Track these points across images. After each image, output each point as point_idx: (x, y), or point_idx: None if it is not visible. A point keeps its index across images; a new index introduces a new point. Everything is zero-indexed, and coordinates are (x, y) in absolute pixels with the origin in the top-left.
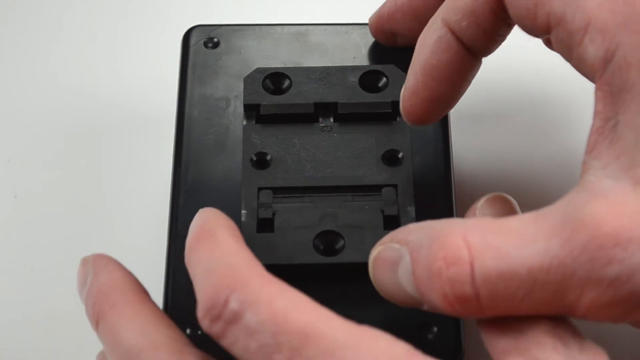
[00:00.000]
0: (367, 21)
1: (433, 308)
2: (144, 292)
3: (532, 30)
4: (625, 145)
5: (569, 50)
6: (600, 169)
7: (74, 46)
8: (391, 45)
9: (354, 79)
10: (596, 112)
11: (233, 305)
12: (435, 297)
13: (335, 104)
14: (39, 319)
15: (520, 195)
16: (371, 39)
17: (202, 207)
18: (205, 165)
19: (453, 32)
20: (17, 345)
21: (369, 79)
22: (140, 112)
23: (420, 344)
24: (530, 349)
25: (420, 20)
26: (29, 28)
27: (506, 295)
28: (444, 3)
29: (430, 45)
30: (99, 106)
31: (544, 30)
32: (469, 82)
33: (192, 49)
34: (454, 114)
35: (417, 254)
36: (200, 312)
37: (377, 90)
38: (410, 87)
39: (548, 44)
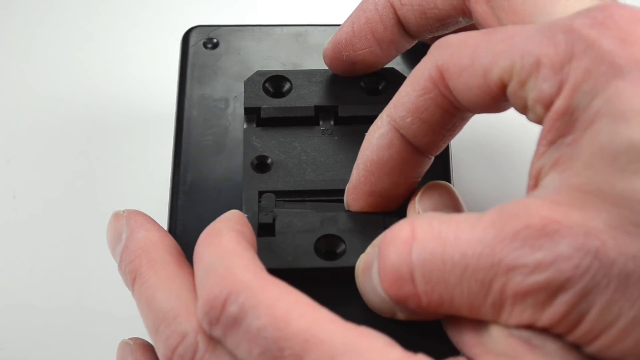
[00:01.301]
0: None
1: (391, 304)
2: (181, 255)
3: (491, 102)
4: (567, 162)
5: (526, 100)
6: (544, 185)
7: (74, 46)
8: (350, 75)
9: (354, 82)
10: (540, 139)
11: (232, 309)
12: (382, 282)
13: (335, 107)
14: (38, 318)
15: (521, 194)
16: None
17: (201, 208)
18: (204, 166)
19: (398, 129)
20: (17, 345)
21: (369, 82)
22: (140, 112)
23: (419, 345)
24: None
25: (381, 44)
26: (29, 28)
27: (440, 280)
28: (392, 99)
29: (373, 141)
30: (98, 106)
31: (501, 94)
32: (416, 178)
33: (191, 50)
34: None
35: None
36: (200, 313)
37: (377, 93)
38: (352, 181)
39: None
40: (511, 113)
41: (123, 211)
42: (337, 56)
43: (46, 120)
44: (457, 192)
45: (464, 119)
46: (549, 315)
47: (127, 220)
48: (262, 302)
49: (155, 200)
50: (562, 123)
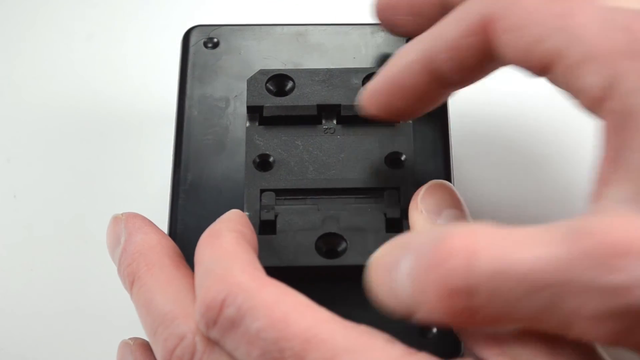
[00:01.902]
0: (366, 21)
1: (424, 312)
2: (180, 257)
3: (529, 70)
4: (632, 172)
5: (570, 85)
6: (609, 196)
7: (74, 46)
8: (392, 34)
9: (357, 81)
10: (603, 142)
11: (229, 311)
12: (430, 294)
13: (338, 106)
14: (38, 319)
15: (520, 194)
16: (371, 39)
17: (201, 207)
18: (204, 166)
19: (430, 62)
20: (17, 345)
21: None
22: (140, 112)
23: (419, 345)
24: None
25: (416, 15)
26: (28, 28)
27: (501, 296)
28: (431, 30)
29: (401, 64)
30: (98, 106)
31: (543, 69)
32: (434, 105)
33: (191, 49)
34: (455, 114)
35: (419, 253)
36: (197, 314)
37: None
38: (372, 89)
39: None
40: (514, 111)
41: (122, 214)
42: (381, 15)
43: (46, 120)
44: (457, 191)
45: (498, 67)
46: (628, 342)
47: (126, 224)
48: (260, 304)
49: (156, 200)
50: (620, 127)
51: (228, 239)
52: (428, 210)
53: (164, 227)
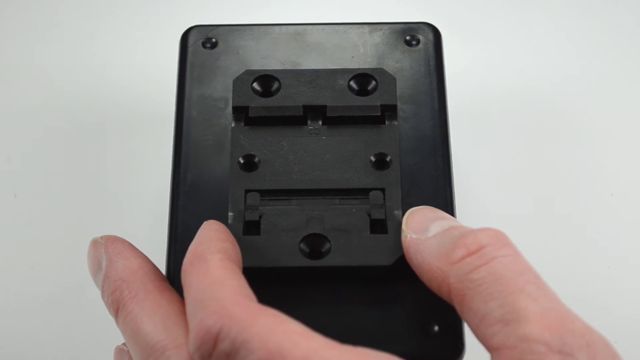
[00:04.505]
0: (365, 21)
1: None
2: (163, 281)
3: None
4: None
5: None
6: None
7: (74, 46)
8: None
9: (343, 82)
10: None
11: (224, 344)
12: None
13: (324, 106)
14: (39, 317)
15: (519, 192)
16: (369, 39)
17: (201, 207)
18: (204, 166)
19: None
20: (17, 345)
21: (358, 82)
22: (140, 112)
23: (421, 344)
24: None
25: None
26: (29, 28)
27: None
28: None
29: None
30: (98, 106)
31: None
32: None
33: (190, 49)
34: (454, 112)
35: None
36: (191, 347)
37: (366, 93)
38: None
39: None
40: (515, 109)
41: (101, 238)
42: None
43: (47, 119)
44: (439, 210)
45: None
46: None
47: (105, 248)
48: (255, 337)
49: (156, 200)
50: None
51: (214, 263)
52: (414, 232)
53: (164, 227)
